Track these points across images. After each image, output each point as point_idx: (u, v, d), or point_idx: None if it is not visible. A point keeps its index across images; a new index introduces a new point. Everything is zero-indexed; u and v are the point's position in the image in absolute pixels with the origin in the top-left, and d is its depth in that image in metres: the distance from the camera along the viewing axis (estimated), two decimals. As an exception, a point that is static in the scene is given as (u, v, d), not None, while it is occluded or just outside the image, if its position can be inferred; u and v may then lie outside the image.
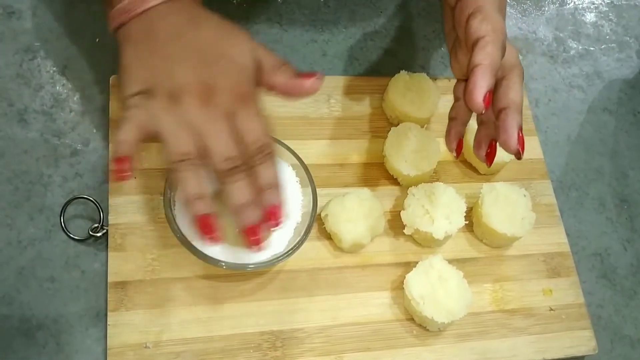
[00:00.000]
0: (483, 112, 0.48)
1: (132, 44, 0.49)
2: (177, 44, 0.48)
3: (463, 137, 0.57)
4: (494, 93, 0.51)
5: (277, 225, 0.50)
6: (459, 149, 0.57)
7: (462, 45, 0.53)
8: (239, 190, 0.48)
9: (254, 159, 0.48)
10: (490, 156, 0.55)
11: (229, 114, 0.47)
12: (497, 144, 0.52)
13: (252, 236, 0.49)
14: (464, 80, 0.54)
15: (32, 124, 0.60)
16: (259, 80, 0.50)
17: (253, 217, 0.49)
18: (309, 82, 0.50)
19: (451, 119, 0.57)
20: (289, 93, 0.50)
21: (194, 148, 0.47)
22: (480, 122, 0.56)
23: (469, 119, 0.57)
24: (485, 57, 0.48)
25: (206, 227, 0.49)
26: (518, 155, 0.51)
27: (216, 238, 0.49)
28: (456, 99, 0.56)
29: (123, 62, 0.49)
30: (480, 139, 0.56)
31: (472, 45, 0.49)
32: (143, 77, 0.48)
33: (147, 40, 0.49)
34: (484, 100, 0.48)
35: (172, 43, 0.48)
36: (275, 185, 0.50)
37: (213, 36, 0.49)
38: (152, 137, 0.48)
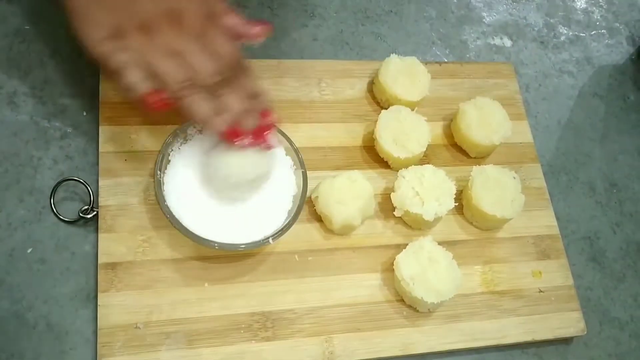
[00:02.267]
0: None
1: None
2: None
3: None
4: None
5: (270, 129, 0.54)
6: None
7: None
8: (234, 101, 0.51)
9: (232, 71, 0.51)
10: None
11: (199, 35, 0.50)
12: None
13: (261, 140, 0.53)
14: None
15: (22, 106, 0.60)
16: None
17: (251, 123, 0.53)
18: (256, 29, 0.53)
19: None
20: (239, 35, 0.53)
21: (188, 72, 0.49)
22: None
23: None
24: None
25: (233, 135, 0.52)
26: None
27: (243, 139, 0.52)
28: None
29: (74, 10, 0.49)
30: None
31: None
32: (104, 20, 0.48)
33: None
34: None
35: None
36: (259, 93, 0.53)
37: None
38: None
